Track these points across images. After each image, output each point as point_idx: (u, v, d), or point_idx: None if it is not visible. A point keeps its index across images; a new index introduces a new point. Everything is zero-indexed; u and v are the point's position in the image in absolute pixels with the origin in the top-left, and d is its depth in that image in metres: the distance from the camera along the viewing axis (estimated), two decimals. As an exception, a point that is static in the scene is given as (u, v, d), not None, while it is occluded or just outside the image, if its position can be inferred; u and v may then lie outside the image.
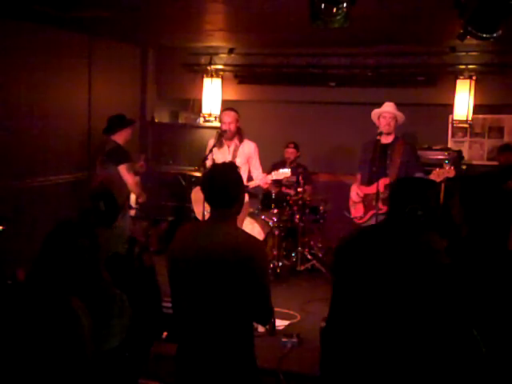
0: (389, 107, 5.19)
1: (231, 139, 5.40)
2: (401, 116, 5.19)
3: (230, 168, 2.78)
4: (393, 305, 2.33)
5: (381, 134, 5.09)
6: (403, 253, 2.41)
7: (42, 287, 2.50)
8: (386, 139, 5.16)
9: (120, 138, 5.43)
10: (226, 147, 5.45)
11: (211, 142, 5.48)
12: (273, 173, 5.38)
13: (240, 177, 2.76)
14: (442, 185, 5.12)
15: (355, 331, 2.42)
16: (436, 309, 2.21)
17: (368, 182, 5.24)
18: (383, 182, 4.99)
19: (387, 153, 5.14)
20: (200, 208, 5.18)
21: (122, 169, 5.29)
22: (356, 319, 2.43)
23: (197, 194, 5.58)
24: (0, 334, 2.13)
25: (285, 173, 5.35)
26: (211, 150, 5.34)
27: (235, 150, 5.41)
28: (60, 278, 2.47)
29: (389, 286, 2.35)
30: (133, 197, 5.59)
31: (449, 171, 4.85)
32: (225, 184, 2.66)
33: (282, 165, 6.85)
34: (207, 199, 2.71)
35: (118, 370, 2.57)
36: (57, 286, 2.46)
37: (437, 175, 4.84)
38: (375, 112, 5.24)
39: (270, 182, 5.54)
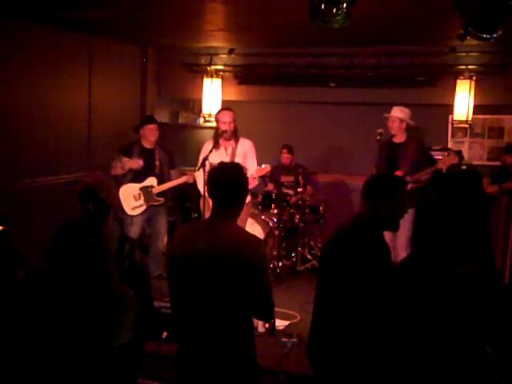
0: (393, 111, 5.58)
1: (229, 139, 5.37)
2: (405, 117, 5.54)
3: (239, 167, 2.81)
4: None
5: (381, 134, 5.45)
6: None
7: (53, 285, 2.50)
8: (398, 139, 5.57)
9: (140, 136, 5.78)
10: (222, 149, 5.40)
11: (207, 144, 5.44)
12: (255, 170, 5.31)
13: (247, 177, 2.80)
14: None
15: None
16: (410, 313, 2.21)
17: None
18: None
19: (399, 152, 5.51)
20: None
21: None
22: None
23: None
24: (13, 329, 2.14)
25: (266, 167, 5.37)
26: (211, 151, 5.32)
27: (233, 152, 5.37)
28: (69, 275, 2.47)
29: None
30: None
31: (453, 158, 5.35)
32: (234, 182, 2.70)
33: (279, 169, 6.89)
34: (214, 197, 2.72)
35: (117, 369, 2.58)
36: (67, 284, 2.46)
37: (443, 162, 5.33)
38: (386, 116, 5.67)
39: (254, 178, 5.31)
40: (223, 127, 5.30)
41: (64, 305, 2.46)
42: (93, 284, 2.46)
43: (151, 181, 5.72)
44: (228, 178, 2.69)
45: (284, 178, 6.76)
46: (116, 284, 2.57)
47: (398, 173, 5.37)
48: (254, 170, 5.32)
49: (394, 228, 2.90)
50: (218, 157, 5.22)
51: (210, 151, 5.27)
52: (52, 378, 2.47)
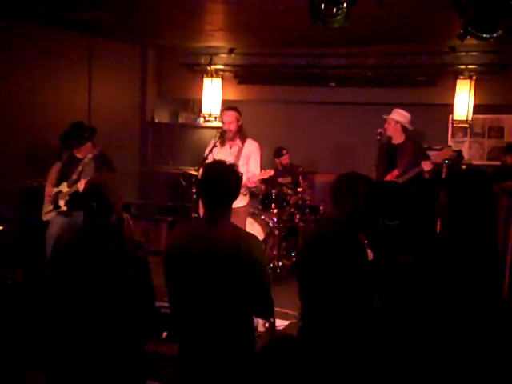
0: (391, 114, 5.57)
1: (233, 139, 5.36)
2: (401, 120, 5.50)
3: (229, 166, 2.79)
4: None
5: (381, 134, 5.51)
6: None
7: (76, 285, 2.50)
8: (396, 140, 5.57)
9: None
10: (227, 147, 5.39)
11: (212, 142, 5.44)
12: (259, 173, 5.25)
13: (238, 174, 2.78)
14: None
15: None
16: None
17: (378, 179, 5.47)
18: (391, 175, 5.42)
19: (397, 152, 5.53)
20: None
21: None
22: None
23: None
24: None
25: (269, 171, 5.34)
26: (211, 150, 5.32)
27: (238, 152, 5.33)
28: (89, 277, 2.47)
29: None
30: None
31: (447, 152, 5.39)
32: (225, 181, 2.67)
33: (279, 171, 6.90)
34: (206, 196, 2.71)
35: (126, 370, 2.58)
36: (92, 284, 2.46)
37: (437, 157, 5.37)
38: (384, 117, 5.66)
39: (256, 181, 5.23)
40: (223, 127, 5.32)
41: (81, 305, 2.46)
42: (113, 285, 2.46)
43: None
44: (218, 177, 2.68)
45: (281, 179, 6.75)
46: (132, 287, 2.58)
47: (394, 172, 5.43)
48: (256, 172, 5.26)
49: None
50: (223, 155, 5.21)
51: (210, 150, 5.27)
52: (63, 377, 2.47)
